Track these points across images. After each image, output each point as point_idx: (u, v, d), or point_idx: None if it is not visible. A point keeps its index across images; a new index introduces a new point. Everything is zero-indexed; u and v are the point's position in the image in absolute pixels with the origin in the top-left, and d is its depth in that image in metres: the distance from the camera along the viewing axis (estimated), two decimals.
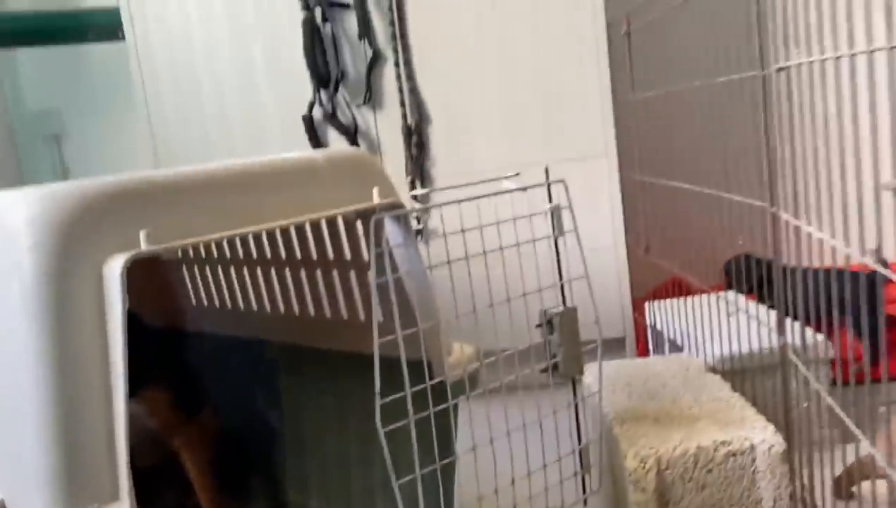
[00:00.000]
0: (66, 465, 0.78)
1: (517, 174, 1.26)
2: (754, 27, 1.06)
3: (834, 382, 1.63)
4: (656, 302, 1.90)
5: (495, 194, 1.19)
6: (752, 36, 1.08)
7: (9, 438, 0.83)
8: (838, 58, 0.78)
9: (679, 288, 1.86)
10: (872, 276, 0.83)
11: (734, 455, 1.12)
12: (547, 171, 1.29)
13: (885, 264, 0.77)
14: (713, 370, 1.46)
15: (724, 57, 1.26)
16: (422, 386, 1.06)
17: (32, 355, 0.79)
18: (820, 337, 1.45)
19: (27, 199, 0.82)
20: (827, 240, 0.90)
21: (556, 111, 1.98)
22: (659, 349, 1.89)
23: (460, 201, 1.17)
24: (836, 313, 1.03)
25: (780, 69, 0.95)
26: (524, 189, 1.21)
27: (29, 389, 0.79)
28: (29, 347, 0.79)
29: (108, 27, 2.26)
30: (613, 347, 2.06)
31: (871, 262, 0.69)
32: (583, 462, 1.32)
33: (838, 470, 1.13)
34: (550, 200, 1.28)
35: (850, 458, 1.01)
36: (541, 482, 1.22)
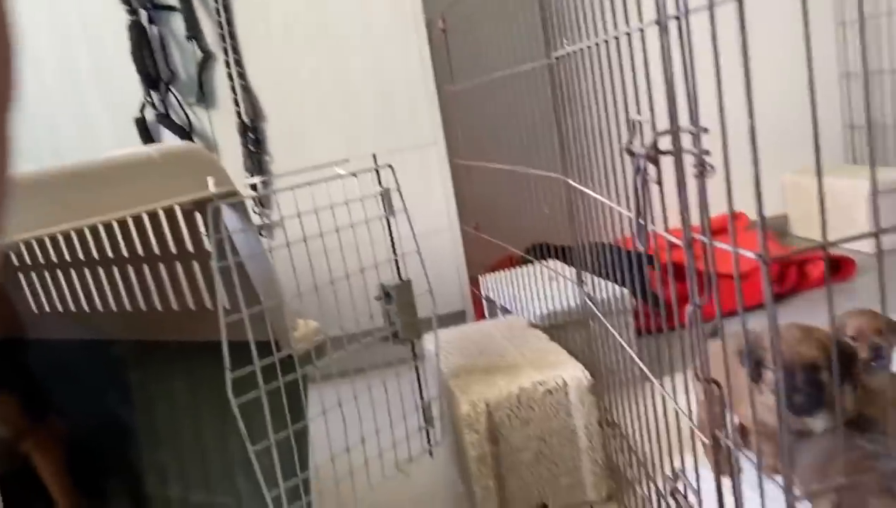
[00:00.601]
0: None
1: (346, 160, 1.37)
2: (539, 22, 1.23)
3: (639, 332, 1.89)
4: (489, 275, 2.08)
5: (327, 179, 1.30)
6: (539, 29, 1.25)
7: None
8: (596, 45, 0.96)
9: (513, 262, 2.05)
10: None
11: (550, 391, 1.30)
12: (375, 158, 1.41)
13: (642, 228, 0.92)
14: (535, 326, 1.65)
15: (521, 49, 1.43)
16: (270, 360, 1.15)
17: None
18: (622, 291, 1.67)
19: None
20: (606, 202, 1.08)
21: (386, 104, 2.11)
22: (493, 316, 2.07)
23: (294, 187, 1.26)
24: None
25: (557, 58, 1.13)
26: (354, 174, 1.32)
27: None
28: None
29: None
30: (455, 320, 2.22)
31: (635, 229, 0.84)
32: (426, 417, 1.46)
33: (637, 398, 1.32)
34: (380, 184, 1.40)
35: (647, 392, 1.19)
36: (389, 438, 1.35)
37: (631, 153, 0.76)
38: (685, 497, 0.79)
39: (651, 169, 0.73)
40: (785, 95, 2.23)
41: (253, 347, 1.11)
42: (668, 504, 0.86)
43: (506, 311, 1.91)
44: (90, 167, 1.08)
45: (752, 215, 2.29)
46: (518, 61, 1.47)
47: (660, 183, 0.72)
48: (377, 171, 1.39)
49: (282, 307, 1.23)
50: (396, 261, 1.42)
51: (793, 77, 2.05)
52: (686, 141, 0.65)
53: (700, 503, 0.77)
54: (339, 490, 1.25)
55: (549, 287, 1.78)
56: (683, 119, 0.65)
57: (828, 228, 0.65)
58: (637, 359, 0.99)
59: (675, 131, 0.65)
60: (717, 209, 0.67)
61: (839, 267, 2.27)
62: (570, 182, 1.23)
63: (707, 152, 0.62)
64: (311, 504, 1.25)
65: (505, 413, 1.29)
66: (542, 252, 1.91)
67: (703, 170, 0.62)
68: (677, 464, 0.86)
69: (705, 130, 0.62)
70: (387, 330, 1.39)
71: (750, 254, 0.62)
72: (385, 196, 1.38)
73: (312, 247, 1.23)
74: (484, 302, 2.13)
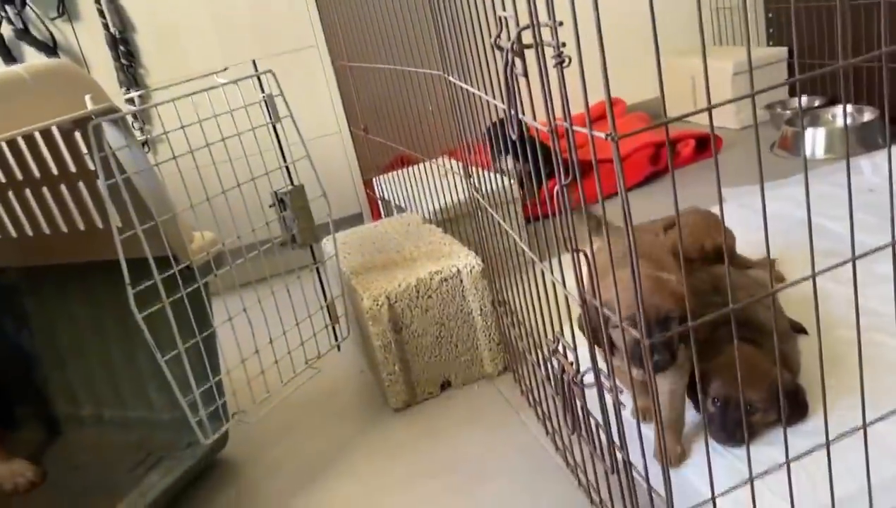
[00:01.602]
0: None
1: (226, 69, 1.36)
2: None
3: (528, 219, 1.99)
4: (382, 177, 2.12)
5: (207, 89, 1.29)
6: None
7: None
8: None
9: (404, 162, 2.09)
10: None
11: (446, 279, 1.39)
12: (255, 64, 1.40)
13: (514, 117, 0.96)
14: (429, 221, 1.72)
15: None
16: (169, 272, 1.18)
17: None
18: (508, 181, 1.76)
19: None
20: (483, 95, 1.13)
21: (262, 8, 2.05)
22: (389, 214, 2.13)
23: (174, 100, 1.25)
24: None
25: None
26: (235, 81, 1.31)
27: None
28: None
29: None
30: (353, 222, 2.27)
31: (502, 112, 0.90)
32: (331, 315, 1.53)
33: (523, 278, 1.43)
34: (263, 91, 1.40)
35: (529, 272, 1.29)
36: (297, 339, 1.41)
37: (499, 48, 0.81)
38: (565, 356, 0.90)
39: (518, 62, 0.78)
40: None
41: (151, 261, 1.13)
42: (551, 366, 0.97)
43: (401, 210, 1.98)
44: None
45: (630, 100, 2.43)
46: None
47: (525, 75, 0.78)
48: (258, 78, 1.38)
49: (175, 220, 1.24)
50: (287, 168, 1.45)
51: None
52: (546, 35, 0.71)
53: (577, 359, 0.87)
54: (251, 389, 1.31)
55: (440, 183, 1.84)
56: (543, 15, 0.70)
57: (697, 106, 0.72)
58: (519, 241, 1.08)
59: (534, 25, 0.71)
60: (598, 96, 0.72)
61: (707, 144, 2.44)
62: (450, 78, 1.27)
63: (563, 44, 0.68)
64: (225, 405, 1.31)
65: (405, 303, 1.37)
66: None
67: (560, 61, 0.68)
68: (558, 330, 0.96)
69: (560, 24, 0.68)
70: (284, 236, 1.42)
71: (601, 134, 0.69)
72: (269, 102, 1.39)
73: (201, 159, 1.24)
74: (379, 202, 2.18)
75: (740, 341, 1.14)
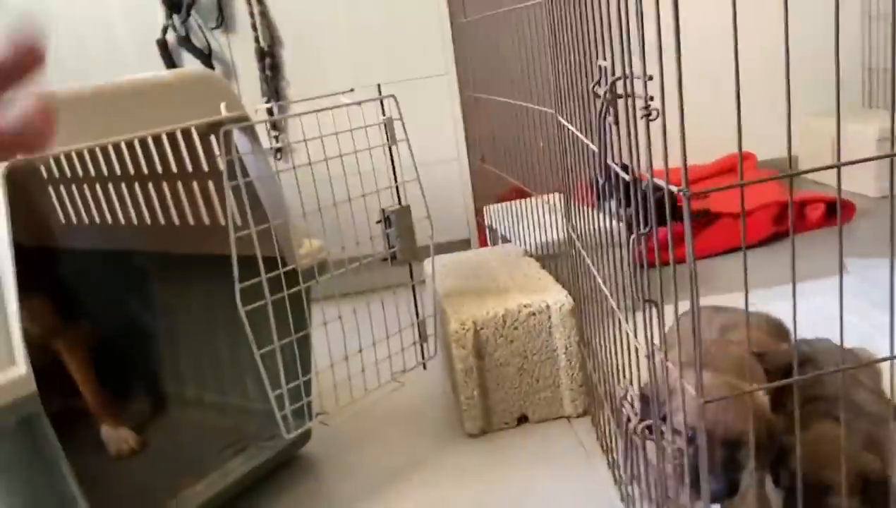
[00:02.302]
0: None
1: (352, 90, 1.45)
2: None
3: (642, 264, 1.96)
4: (493, 206, 2.17)
5: (332, 108, 1.38)
6: None
7: None
8: None
9: (518, 195, 2.13)
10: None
11: (534, 313, 1.40)
12: (379, 88, 1.48)
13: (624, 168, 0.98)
14: (529, 254, 1.74)
15: None
16: (275, 273, 1.27)
17: None
18: (614, 223, 1.75)
19: None
20: (582, 138, 1.14)
21: (399, 34, 2.16)
22: (495, 243, 2.16)
23: (300, 115, 1.35)
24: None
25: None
26: (358, 103, 1.40)
27: None
28: None
29: None
30: (460, 247, 2.32)
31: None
32: (421, 333, 1.58)
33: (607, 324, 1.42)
34: (384, 113, 1.48)
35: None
36: (386, 350, 1.47)
37: (596, 95, 0.83)
38: (631, 405, 0.90)
39: (611, 110, 0.80)
40: (805, 37, 2.23)
41: (259, 260, 1.22)
42: (620, 414, 0.97)
43: (506, 241, 2.01)
44: (115, 89, 1.17)
45: (762, 156, 2.36)
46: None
47: (616, 123, 0.79)
48: (381, 101, 1.46)
49: (287, 225, 1.33)
50: (397, 188, 1.51)
51: (815, 19, 2.05)
52: (639, 86, 0.73)
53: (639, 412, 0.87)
54: (337, 393, 1.38)
55: (546, 218, 1.86)
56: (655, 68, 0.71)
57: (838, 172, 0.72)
58: (602, 286, 1.08)
59: (625, 77, 0.73)
60: (729, 149, 0.73)
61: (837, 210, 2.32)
62: (560, 118, 1.30)
63: (651, 98, 0.70)
64: (310, 404, 1.38)
65: (491, 331, 1.40)
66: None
67: (647, 113, 0.70)
68: (627, 378, 0.96)
69: (650, 77, 0.69)
70: (386, 253, 1.49)
71: (673, 189, 0.70)
72: (388, 125, 1.46)
73: (320, 172, 1.32)
74: (487, 231, 2.22)
75: (830, 419, 1.09)
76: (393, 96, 1.45)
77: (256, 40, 2.09)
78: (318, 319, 1.39)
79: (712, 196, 2.62)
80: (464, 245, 2.32)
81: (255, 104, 2.12)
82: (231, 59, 2.12)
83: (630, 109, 0.75)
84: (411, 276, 1.57)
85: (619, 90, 0.76)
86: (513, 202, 2.05)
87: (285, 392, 1.28)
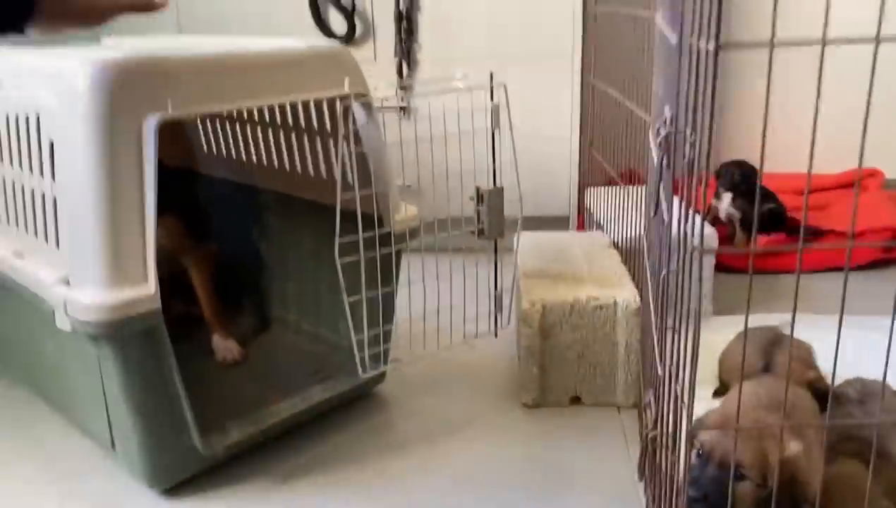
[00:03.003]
0: (113, 256, 1.16)
1: (466, 74, 1.56)
2: None
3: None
4: (593, 189, 2.24)
5: (446, 91, 1.50)
6: None
7: (75, 236, 1.20)
8: None
9: (627, 182, 2.19)
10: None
11: (601, 307, 1.50)
12: (491, 75, 1.59)
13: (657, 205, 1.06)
14: (615, 246, 1.82)
15: None
16: (371, 233, 1.43)
17: (94, 180, 1.14)
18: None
19: (87, 70, 1.14)
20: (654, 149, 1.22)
21: (533, 11, 2.23)
22: (590, 227, 2.24)
23: (419, 95, 1.48)
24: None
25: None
26: (470, 89, 1.51)
27: (92, 205, 1.15)
28: (91, 174, 1.14)
29: None
30: (559, 224, 2.42)
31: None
32: (497, 304, 1.71)
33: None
34: (493, 98, 1.59)
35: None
36: (462, 315, 1.61)
37: (659, 144, 0.92)
38: (650, 408, 1.00)
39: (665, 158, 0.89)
40: None
41: (360, 223, 1.39)
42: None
43: (599, 228, 2.09)
44: (257, 56, 1.35)
45: (889, 173, 2.32)
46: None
47: (671, 168, 0.88)
48: (491, 89, 1.57)
49: (388, 192, 1.48)
50: (494, 171, 1.63)
51: None
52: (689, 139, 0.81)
53: (658, 418, 0.97)
54: (412, 347, 1.55)
55: (637, 211, 1.92)
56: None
57: None
58: (649, 292, 1.17)
59: (674, 132, 0.81)
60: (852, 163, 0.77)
61: None
62: (651, 135, 1.36)
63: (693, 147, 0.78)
64: (388, 351, 1.55)
65: (558, 316, 1.51)
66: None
67: (691, 169, 0.78)
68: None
69: (693, 139, 0.78)
70: (474, 227, 1.62)
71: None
72: (494, 112, 1.57)
73: (429, 144, 1.46)
74: (586, 213, 2.30)
75: (858, 460, 1.14)
76: (503, 85, 1.55)
77: (396, 3, 2.22)
78: (404, 273, 1.55)
79: (826, 207, 2.56)
80: (562, 222, 2.41)
81: (389, 61, 2.28)
82: (372, 19, 2.27)
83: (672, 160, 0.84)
84: (495, 251, 1.70)
85: (674, 140, 0.85)
86: (612, 188, 2.11)
87: (366, 337, 1.46)
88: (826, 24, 0.64)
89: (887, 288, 1.88)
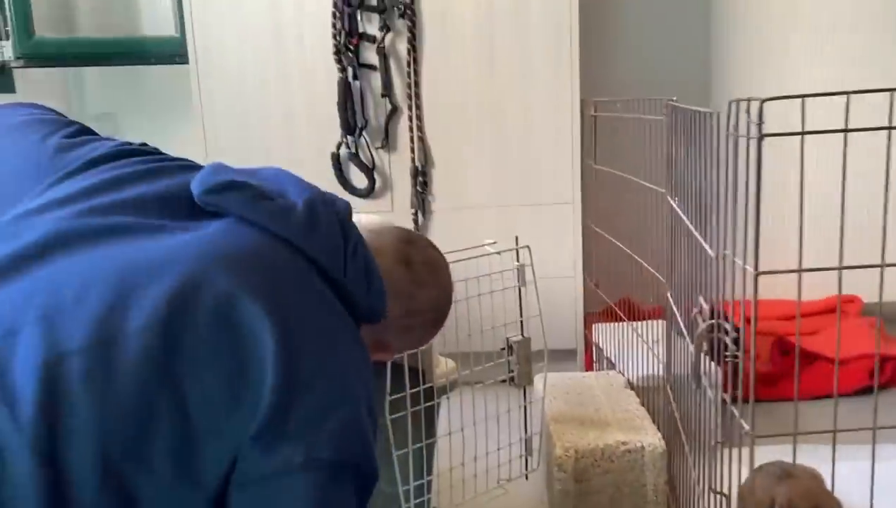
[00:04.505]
0: None
1: (495, 242, 1.73)
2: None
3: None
4: (600, 325, 2.39)
5: (479, 256, 1.67)
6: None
7: None
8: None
9: (627, 307, 2.35)
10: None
11: (629, 451, 1.62)
12: (517, 239, 1.76)
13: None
14: (630, 386, 1.96)
15: (655, 167, 1.74)
16: (417, 389, 1.56)
17: None
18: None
19: None
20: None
21: (535, 164, 2.45)
22: (600, 362, 2.39)
23: (454, 261, 1.64)
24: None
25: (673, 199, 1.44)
26: (499, 253, 1.68)
27: None
28: None
29: (167, 53, 2.69)
30: (567, 356, 2.56)
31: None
32: (527, 447, 1.82)
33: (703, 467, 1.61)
34: (518, 260, 1.76)
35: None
36: (496, 459, 1.72)
37: (695, 323, 1.07)
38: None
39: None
40: None
41: (406, 378, 1.51)
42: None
43: (610, 364, 2.23)
44: None
45: (867, 298, 2.50)
46: (649, 175, 1.78)
47: (709, 355, 1.03)
48: (517, 251, 1.75)
49: (431, 349, 1.62)
50: (522, 323, 1.78)
51: None
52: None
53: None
54: (451, 493, 1.64)
55: (646, 349, 2.07)
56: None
57: None
58: (656, 437, 1.30)
59: (716, 330, 0.97)
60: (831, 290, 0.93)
61: None
62: (669, 295, 1.54)
63: (736, 341, 0.93)
64: (430, 500, 1.65)
65: (590, 461, 1.63)
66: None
67: (733, 360, 0.93)
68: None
69: (737, 331, 0.93)
70: (505, 375, 1.75)
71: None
72: (520, 271, 1.74)
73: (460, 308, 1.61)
74: (594, 347, 2.45)
75: None
76: (527, 247, 1.72)
77: (413, 160, 2.43)
78: (442, 425, 1.67)
79: (816, 333, 2.74)
80: (570, 354, 2.55)
81: (405, 212, 2.46)
82: (389, 174, 2.47)
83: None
84: (524, 398, 1.83)
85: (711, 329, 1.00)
86: (619, 325, 2.27)
87: (412, 488, 1.56)
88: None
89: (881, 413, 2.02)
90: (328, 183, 2.45)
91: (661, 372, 1.94)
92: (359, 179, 2.48)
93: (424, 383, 1.59)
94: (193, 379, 0.68)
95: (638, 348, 2.06)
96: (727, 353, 0.92)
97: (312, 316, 0.77)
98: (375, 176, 2.45)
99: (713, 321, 0.99)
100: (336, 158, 2.44)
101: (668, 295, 1.56)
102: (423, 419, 1.58)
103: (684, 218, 1.27)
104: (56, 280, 0.71)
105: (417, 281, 0.99)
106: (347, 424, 0.74)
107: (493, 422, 1.71)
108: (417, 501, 1.59)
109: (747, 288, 0.87)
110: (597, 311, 2.59)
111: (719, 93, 2.94)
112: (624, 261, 2.19)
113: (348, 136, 2.41)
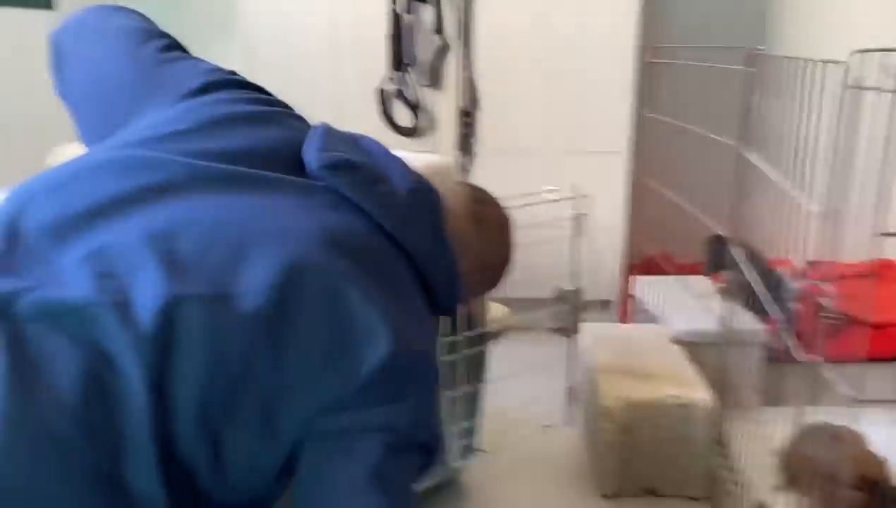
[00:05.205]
0: None
1: (556, 189, 1.70)
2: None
3: (769, 359, 2.13)
4: (641, 278, 2.37)
5: (538, 203, 1.64)
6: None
7: None
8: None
9: (664, 259, 2.33)
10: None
11: (680, 406, 1.61)
12: (574, 187, 1.73)
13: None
14: (677, 341, 1.94)
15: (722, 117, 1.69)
16: (469, 334, 1.54)
17: None
18: (758, 324, 1.92)
19: None
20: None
21: (586, 110, 2.39)
22: (638, 314, 2.37)
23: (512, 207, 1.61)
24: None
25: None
26: (558, 201, 1.65)
27: None
28: None
29: None
30: (601, 307, 2.55)
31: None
32: (570, 396, 1.82)
33: (749, 423, 1.61)
34: (575, 208, 1.73)
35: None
36: (539, 406, 1.72)
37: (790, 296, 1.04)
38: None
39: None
40: None
41: (462, 324, 1.50)
42: None
43: (649, 317, 2.21)
44: None
45: None
46: (715, 128, 1.72)
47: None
48: (574, 199, 1.71)
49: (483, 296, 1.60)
50: (573, 273, 1.76)
51: None
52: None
53: None
54: (496, 437, 1.65)
55: (694, 303, 2.04)
56: None
57: None
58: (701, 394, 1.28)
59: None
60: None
61: None
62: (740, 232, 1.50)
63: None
64: (474, 442, 1.65)
65: (640, 413, 1.62)
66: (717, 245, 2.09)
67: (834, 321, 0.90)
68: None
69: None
70: (553, 324, 1.74)
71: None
72: (576, 220, 1.71)
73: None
74: (632, 299, 2.43)
75: None
76: (587, 196, 1.69)
77: (459, 101, 2.37)
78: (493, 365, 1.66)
79: (852, 300, 2.71)
80: (604, 305, 2.53)
81: (449, 153, 2.41)
82: (435, 114, 2.41)
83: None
84: (571, 347, 1.82)
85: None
86: (667, 278, 2.24)
87: (458, 429, 1.56)
88: None
89: None
90: (371, 120, 2.39)
91: (711, 327, 1.92)
92: (403, 117, 2.42)
93: (475, 328, 1.58)
94: (296, 347, 0.70)
95: (684, 303, 2.04)
96: (827, 314, 0.89)
97: (407, 305, 0.80)
98: (420, 114, 2.39)
99: (811, 281, 0.96)
100: (381, 94, 2.38)
101: (731, 250, 1.53)
102: (473, 364, 1.58)
103: (769, 173, 1.22)
104: (177, 222, 0.71)
105: (488, 238, 1.03)
106: (425, 405, 0.78)
107: (539, 369, 1.70)
108: (464, 442, 1.59)
109: (858, 249, 0.83)
110: (635, 262, 2.56)
111: (776, 44, 2.84)
112: (671, 215, 2.14)
113: (395, 72, 2.34)
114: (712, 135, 1.76)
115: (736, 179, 1.50)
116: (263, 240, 0.72)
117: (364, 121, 2.39)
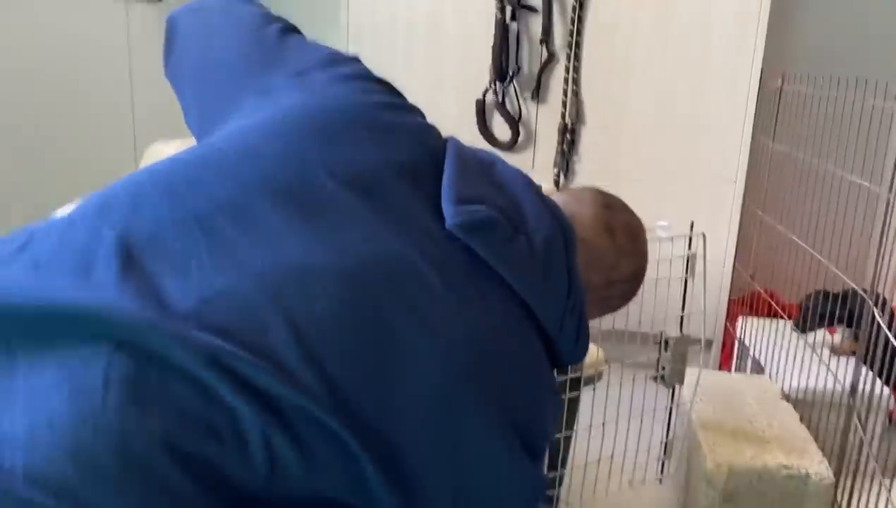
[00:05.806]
0: None
1: (668, 225, 1.55)
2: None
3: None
4: (747, 319, 2.18)
5: (651, 239, 1.49)
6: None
7: None
8: None
9: (769, 298, 2.14)
10: None
11: (792, 477, 1.44)
12: (692, 225, 1.57)
13: None
14: (787, 398, 1.76)
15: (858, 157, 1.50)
16: (566, 377, 1.42)
17: None
18: (886, 390, 1.72)
19: None
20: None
21: (700, 136, 2.22)
22: (742, 361, 2.18)
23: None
24: None
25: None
26: (671, 238, 1.50)
27: None
28: None
29: None
30: (703, 345, 2.36)
31: None
32: (667, 451, 1.67)
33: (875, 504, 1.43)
34: (690, 247, 1.57)
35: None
36: (632, 459, 1.58)
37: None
38: None
39: None
40: None
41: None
42: None
43: (757, 364, 2.02)
44: None
45: None
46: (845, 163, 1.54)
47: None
48: (690, 238, 1.56)
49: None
50: (682, 318, 1.61)
51: None
52: None
53: None
54: (582, 488, 1.52)
55: (808, 355, 1.85)
56: None
57: None
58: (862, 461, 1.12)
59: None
60: None
61: None
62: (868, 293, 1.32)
63: None
64: (558, 496, 1.53)
65: (745, 481, 1.46)
66: (817, 302, 1.88)
67: None
68: None
69: None
70: (656, 373, 1.59)
71: None
72: (690, 260, 1.55)
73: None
74: (736, 342, 2.24)
75: None
76: (703, 234, 1.53)
77: (563, 116, 2.24)
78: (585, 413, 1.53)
79: None
80: (706, 346, 2.35)
81: (547, 170, 2.29)
82: (535, 128, 2.29)
83: None
84: (672, 399, 1.66)
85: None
86: (779, 323, 2.05)
87: (546, 478, 1.44)
88: None
89: None
90: (469, 131, 2.29)
91: (828, 386, 1.74)
92: (502, 131, 2.31)
93: (570, 370, 1.45)
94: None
95: (799, 353, 1.86)
96: None
97: (533, 400, 0.72)
98: (520, 128, 2.28)
99: None
100: (481, 106, 2.28)
101: (866, 302, 1.35)
102: (565, 409, 1.45)
103: None
104: (308, 286, 0.60)
105: (620, 249, 0.90)
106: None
107: (635, 419, 1.56)
108: (547, 493, 1.47)
109: None
110: (734, 299, 2.38)
111: None
112: (784, 253, 1.96)
113: (497, 83, 2.23)
114: (850, 177, 1.58)
115: (884, 229, 1.33)
116: (413, 358, 0.61)
117: (460, 130, 2.30)
